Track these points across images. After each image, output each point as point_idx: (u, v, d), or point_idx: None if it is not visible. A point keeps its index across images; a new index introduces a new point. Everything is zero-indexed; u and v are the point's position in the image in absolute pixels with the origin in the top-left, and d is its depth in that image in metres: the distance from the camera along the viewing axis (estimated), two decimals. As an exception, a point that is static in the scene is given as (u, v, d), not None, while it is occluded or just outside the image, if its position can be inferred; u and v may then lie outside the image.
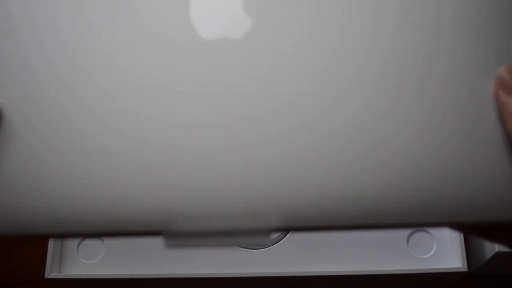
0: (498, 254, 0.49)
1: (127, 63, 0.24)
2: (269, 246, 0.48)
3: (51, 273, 0.46)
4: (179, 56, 0.24)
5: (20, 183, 0.22)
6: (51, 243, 0.47)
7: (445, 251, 0.48)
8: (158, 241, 0.48)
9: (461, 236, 0.47)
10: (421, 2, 0.24)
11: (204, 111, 0.23)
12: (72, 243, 0.47)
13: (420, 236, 0.49)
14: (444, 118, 0.23)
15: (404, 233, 0.49)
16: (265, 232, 0.22)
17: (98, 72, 0.23)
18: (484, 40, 0.24)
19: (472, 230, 0.26)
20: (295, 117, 0.23)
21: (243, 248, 0.48)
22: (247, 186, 0.22)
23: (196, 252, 0.48)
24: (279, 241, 0.49)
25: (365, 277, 0.46)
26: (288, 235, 0.49)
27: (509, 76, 0.23)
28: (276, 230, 0.22)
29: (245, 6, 0.24)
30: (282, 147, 0.22)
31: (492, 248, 0.49)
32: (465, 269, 0.46)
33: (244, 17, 0.24)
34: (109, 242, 0.48)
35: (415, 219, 0.22)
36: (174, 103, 0.23)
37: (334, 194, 0.22)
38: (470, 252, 0.53)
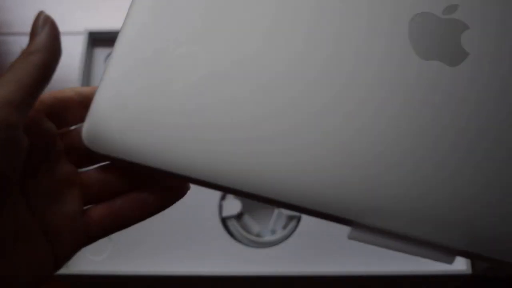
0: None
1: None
2: (276, 245, 0.48)
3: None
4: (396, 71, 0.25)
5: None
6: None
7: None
8: (164, 238, 0.49)
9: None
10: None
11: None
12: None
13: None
14: None
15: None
16: (450, 252, 0.23)
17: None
18: None
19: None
20: None
21: (250, 248, 0.48)
22: (454, 206, 0.23)
23: (202, 251, 0.48)
24: (284, 240, 0.49)
25: (369, 278, 0.46)
26: (293, 234, 0.49)
27: None
28: (462, 254, 0.23)
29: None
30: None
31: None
32: (469, 271, 0.46)
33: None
34: (116, 239, 0.48)
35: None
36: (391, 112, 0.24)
37: None
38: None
